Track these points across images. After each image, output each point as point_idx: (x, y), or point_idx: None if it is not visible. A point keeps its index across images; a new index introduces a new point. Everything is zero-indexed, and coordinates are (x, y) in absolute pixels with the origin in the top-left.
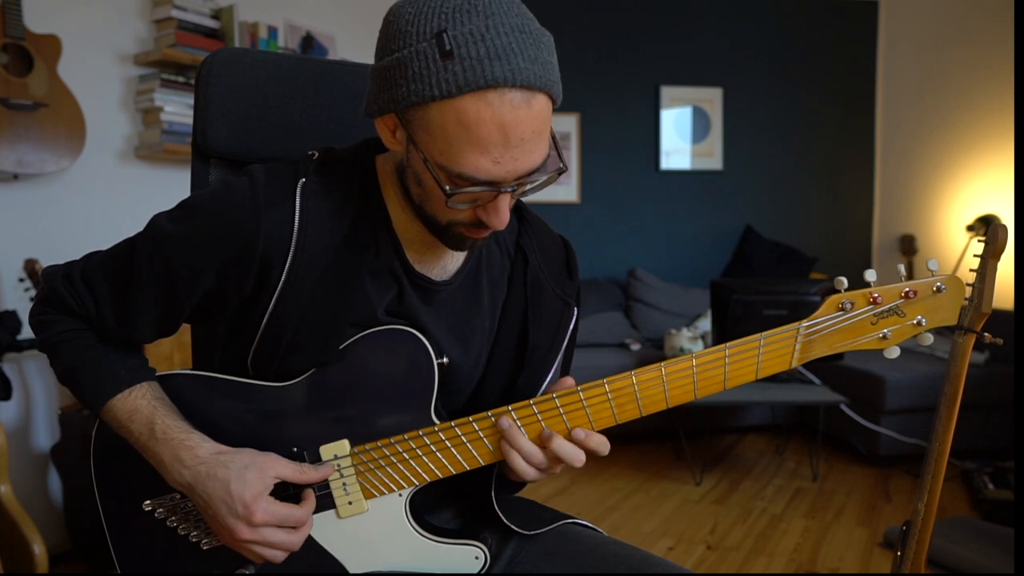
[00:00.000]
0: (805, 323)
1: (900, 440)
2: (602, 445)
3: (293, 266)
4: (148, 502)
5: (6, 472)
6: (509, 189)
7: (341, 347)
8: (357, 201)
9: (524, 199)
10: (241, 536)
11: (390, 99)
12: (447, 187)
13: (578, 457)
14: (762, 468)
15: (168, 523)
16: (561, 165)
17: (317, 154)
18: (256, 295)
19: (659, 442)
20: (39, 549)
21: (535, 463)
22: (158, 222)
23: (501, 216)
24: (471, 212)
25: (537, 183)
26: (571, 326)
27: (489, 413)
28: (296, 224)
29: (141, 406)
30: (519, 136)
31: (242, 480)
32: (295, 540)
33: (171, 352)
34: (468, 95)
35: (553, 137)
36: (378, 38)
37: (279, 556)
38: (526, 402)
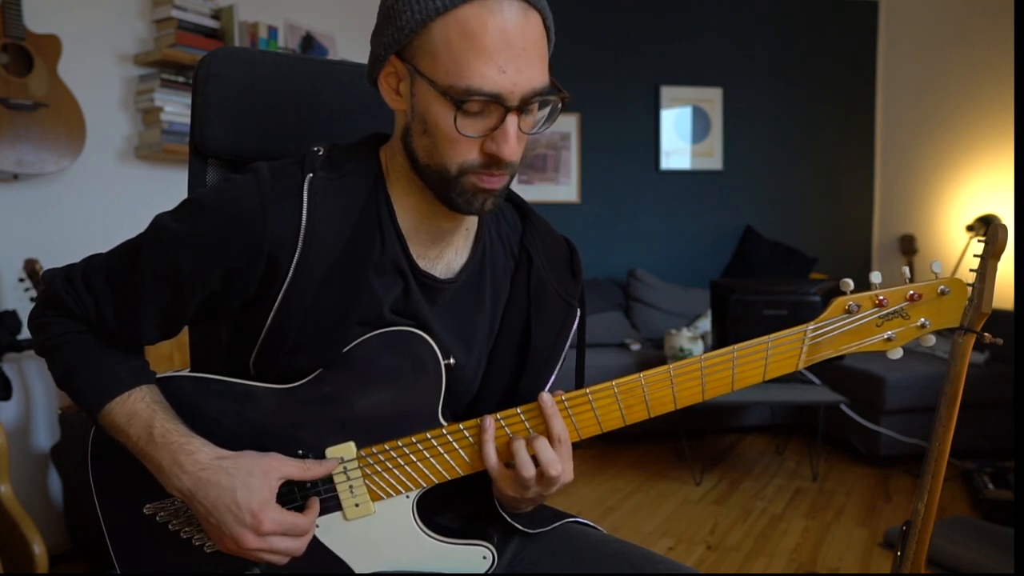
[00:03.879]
0: (812, 325)
1: (900, 440)
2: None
3: (300, 264)
4: (149, 506)
5: (6, 472)
6: (515, 106)
7: (347, 348)
8: (363, 195)
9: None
10: (248, 545)
11: (395, 31)
12: (457, 98)
13: (554, 465)
14: (762, 468)
15: (170, 527)
16: (563, 93)
17: (322, 150)
18: (262, 293)
19: (659, 442)
20: (39, 549)
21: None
22: (162, 221)
23: (511, 142)
24: (480, 151)
25: (543, 120)
26: (574, 327)
27: (498, 415)
28: (304, 222)
29: (140, 409)
30: (520, 44)
31: (247, 488)
32: (300, 546)
33: (171, 352)
34: (468, 4)
35: (555, 83)
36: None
37: (283, 561)
38: (534, 404)
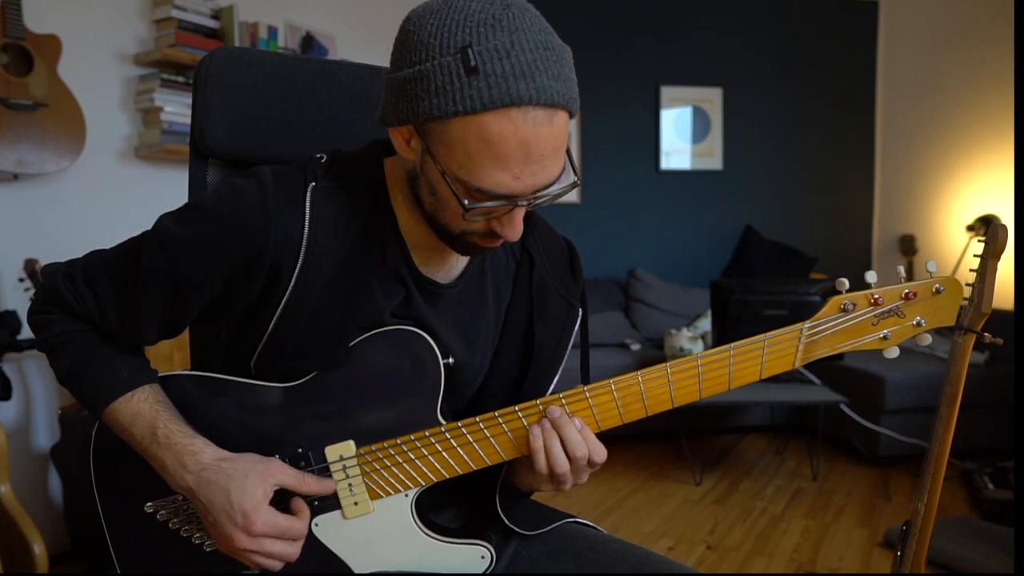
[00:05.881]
0: (808, 324)
1: (900, 440)
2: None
3: (302, 273)
4: (150, 504)
5: (6, 472)
6: (525, 203)
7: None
8: (365, 206)
9: None
10: (239, 545)
11: (410, 111)
12: (465, 201)
13: (581, 448)
14: (762, 468)
15: (171, 525)
16: (575, 179)
17: (325, 157)
18: (263, 300)
19: (659, 442)
20: (39, 549)
21: (558, 462)
22: (164, 224)
23: (516, 228)
24: (485, 223)
25: (551, 196)
26: (576, 327)
27: (496, 413)
28: (306, 230)
29: (143, 409)
30: (540, 153)
31: (242, 488)
32: (293, 552)
33: (171, 352)
34: (491, 112)
35: (568, 151)
36: (395, 46)
37: (276, 565)
38: (532, 402)
